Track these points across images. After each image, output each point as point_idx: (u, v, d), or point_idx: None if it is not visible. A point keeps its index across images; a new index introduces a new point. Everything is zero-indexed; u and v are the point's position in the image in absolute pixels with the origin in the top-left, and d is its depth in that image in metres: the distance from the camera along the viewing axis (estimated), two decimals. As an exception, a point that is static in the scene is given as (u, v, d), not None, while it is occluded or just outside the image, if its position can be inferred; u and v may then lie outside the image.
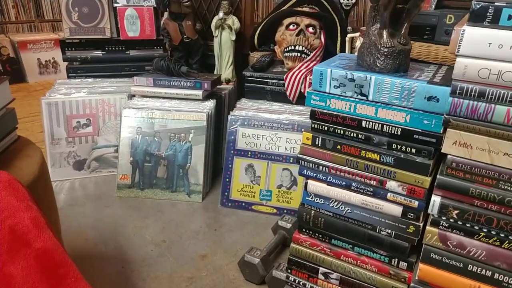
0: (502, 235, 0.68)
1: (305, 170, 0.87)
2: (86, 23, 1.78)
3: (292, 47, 1.53)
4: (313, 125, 0.84)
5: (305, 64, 1.51)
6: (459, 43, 0.62)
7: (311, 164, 0.86)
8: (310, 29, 1.54)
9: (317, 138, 0.83)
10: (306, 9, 1.61)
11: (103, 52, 1.83)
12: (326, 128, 0.82)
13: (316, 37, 1.55)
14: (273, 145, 1.44)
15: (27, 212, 0.49)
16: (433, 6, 1.26)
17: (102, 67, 1.84)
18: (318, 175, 0.86)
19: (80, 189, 1.62)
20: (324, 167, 0.84)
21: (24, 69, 2.98)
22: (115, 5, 1.78)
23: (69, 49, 1.80)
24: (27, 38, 3.01)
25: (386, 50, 0.74)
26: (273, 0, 1.96)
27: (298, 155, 0.87)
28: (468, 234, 0.71)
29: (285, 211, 1.43)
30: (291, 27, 1.56)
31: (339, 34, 1.56)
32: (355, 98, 0.77)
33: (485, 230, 0.69)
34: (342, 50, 1.53)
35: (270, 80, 1.54)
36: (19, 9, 3.13)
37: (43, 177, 0.83)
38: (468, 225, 0.70)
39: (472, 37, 0.61)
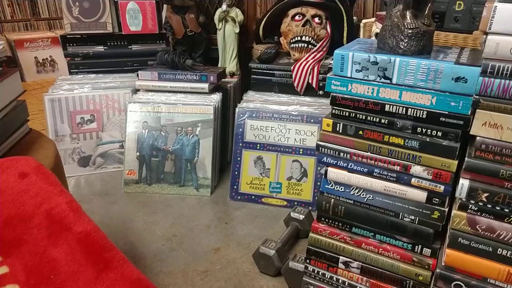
0: (533, 217, 0.67)
1: (325, 158, 0.85)
2: (87, 18, 1.75)
3: (299, 38, 1.51)
4: (333, 111, 0.82)
5: (312, 55, 1.49)
6: (491, 20, 0.60)
7: (331, 151, 0.84)
8: (316, 20, 1.53)
9: (338, 124, 0.82)
10: (311, -1, 1.59)
11: (105, 47, 1.81)
12: (347, 114, 0.81)
13: (322, 28, 1.53)
14: (282, 136, 1.43)
15: (62, 196, 0.47)
16: None
17: (104, 63, 1.81)
18: (339, 162, 0.84)
19: (86, 185, 1.59)
20: (345, 154, 0.83)
21: (21, 68, 2.94)
22: (116, -1, 1.75)
23: (71, 44, 1.77)
24: (24, 36, 2.96)
25: (410, 31, 0.73)
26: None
27: (318, 142, 0.85)
28: (498, 217, 0.69)
29: (295, 203, 1.41)
30: (296, 17, 1.54)
31: (345, 24, 1.54)
32: (378, 82, 0.76)
33: (515, 212, 0.68)
34: (349, 40, 1.51)
35: (277, 72, 1.53)
36: (14, 7, 3.08)
37: (58, 168, 0.81)
38: (498, 208, 0.69)
39: (504, 13, 0.59)
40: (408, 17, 0.73)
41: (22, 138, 0.84)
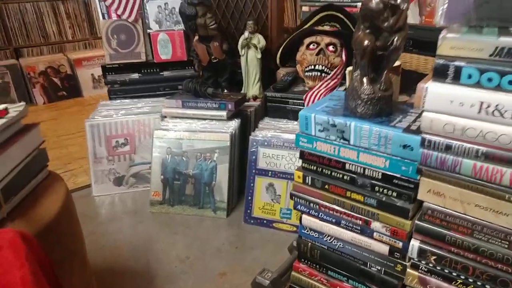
0: (479, 283, 0.68)
1: (299, 206, 0.91)
2: (124, 49, 1.93)
3: (312, 67, 1.55)
4: (303, 164, 0.88)
5: (325, 83, 1.53)
6: (424, 99, 0.63)
7: (303, 200, 0.89)
8: (331, 48, 1.56)
9: (307, 177, 0.87)
10: (327, 27, 1.62)
11: (139, 75, 1.97)
12: (315, 168, 0.86)
13: (337, 56, 1.56)
14: (292, 165, 1.48)
15: (20, 271, 0.57)
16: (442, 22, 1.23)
17: (139, 88, 1.98)
18: (311, 211, 0.89)
19: (119, 204, 1.77)
20: (314, 204, 0.88)
21: (79, 84, 3.25)
22: (148, 31, 1.90)
23: (110, 73, 1.96)
24: (82, 55, 3.26)
25: (366, 96, 0.76)
26: (300, 15, 1.99)
27: (291, 192, 0.91)
28: (446, 280, 0.71)
29: (304, 229, 1.46)
30: (311, 46, 1.58)
31: (360, 51, 1.55)
32: (339, 142, 0.80)
33: (462, 277, 0.70)
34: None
35: (291, 100, 1.58)
36: (75, 28, 3.40)
37: (67, 210, 0.94)
38: (446, 271, 0.71)
39: (435, 94, 0.62)
40: (365, 82, 0.77)
41: (40, 182, 0.99)
